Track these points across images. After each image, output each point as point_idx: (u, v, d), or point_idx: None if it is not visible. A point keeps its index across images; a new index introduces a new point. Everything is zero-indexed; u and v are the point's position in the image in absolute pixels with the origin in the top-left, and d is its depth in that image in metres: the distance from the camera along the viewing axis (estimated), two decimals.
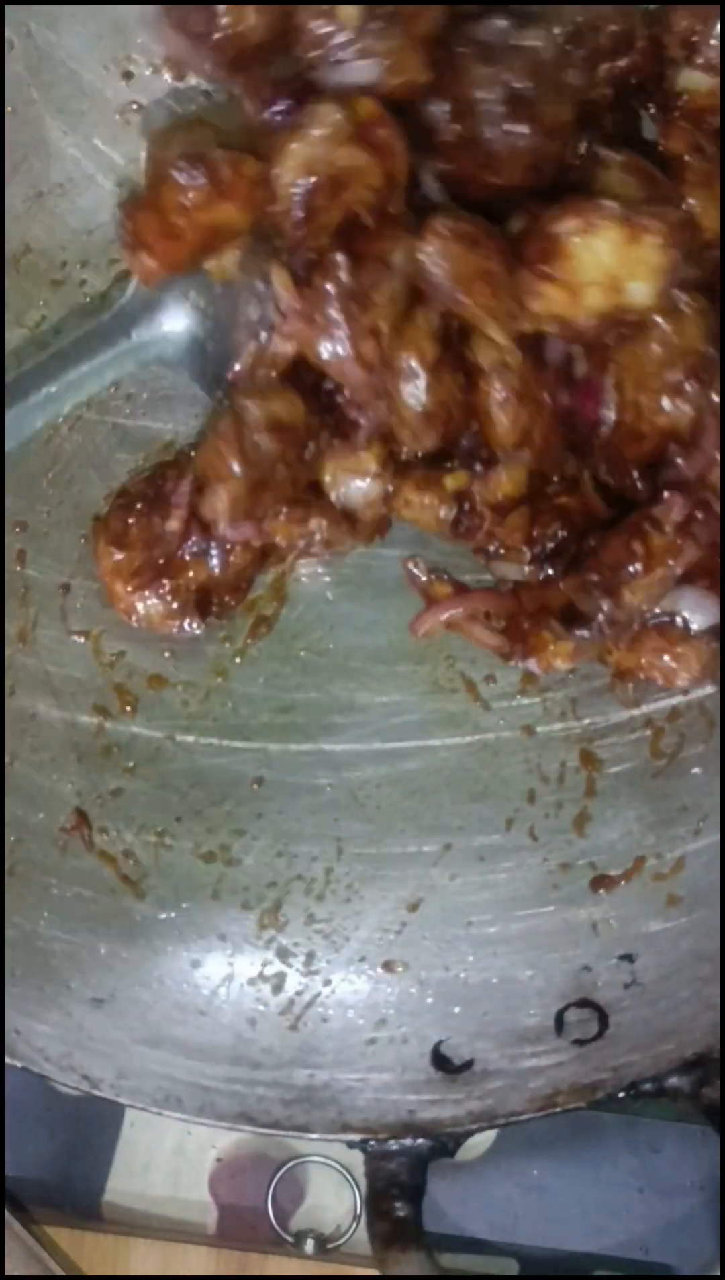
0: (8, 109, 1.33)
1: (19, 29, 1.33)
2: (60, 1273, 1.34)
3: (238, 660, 1.32)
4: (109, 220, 1.38)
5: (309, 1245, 1.36)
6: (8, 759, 1.28)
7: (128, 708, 1.32)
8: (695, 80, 1.32)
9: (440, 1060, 1.21)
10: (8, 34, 1.32)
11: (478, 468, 1.24)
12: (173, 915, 1.26)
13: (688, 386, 1.19)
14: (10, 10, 1.31)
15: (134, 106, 1.37)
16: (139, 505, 1.29)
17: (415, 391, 1.21)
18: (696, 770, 1.26)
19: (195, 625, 1.29)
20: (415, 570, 1.30)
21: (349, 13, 1.16)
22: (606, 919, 1.24)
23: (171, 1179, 1.40)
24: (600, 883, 1.24)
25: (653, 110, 1.35)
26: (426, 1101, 1.19)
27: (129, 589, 1.28)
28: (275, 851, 1.29)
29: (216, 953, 1.26)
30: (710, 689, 1.27)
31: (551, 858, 1.27)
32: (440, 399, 1.21)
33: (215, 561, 1.27)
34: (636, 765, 1.27)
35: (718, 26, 1.29)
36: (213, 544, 1.27)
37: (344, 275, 1.17)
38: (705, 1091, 1.16)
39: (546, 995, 1.22)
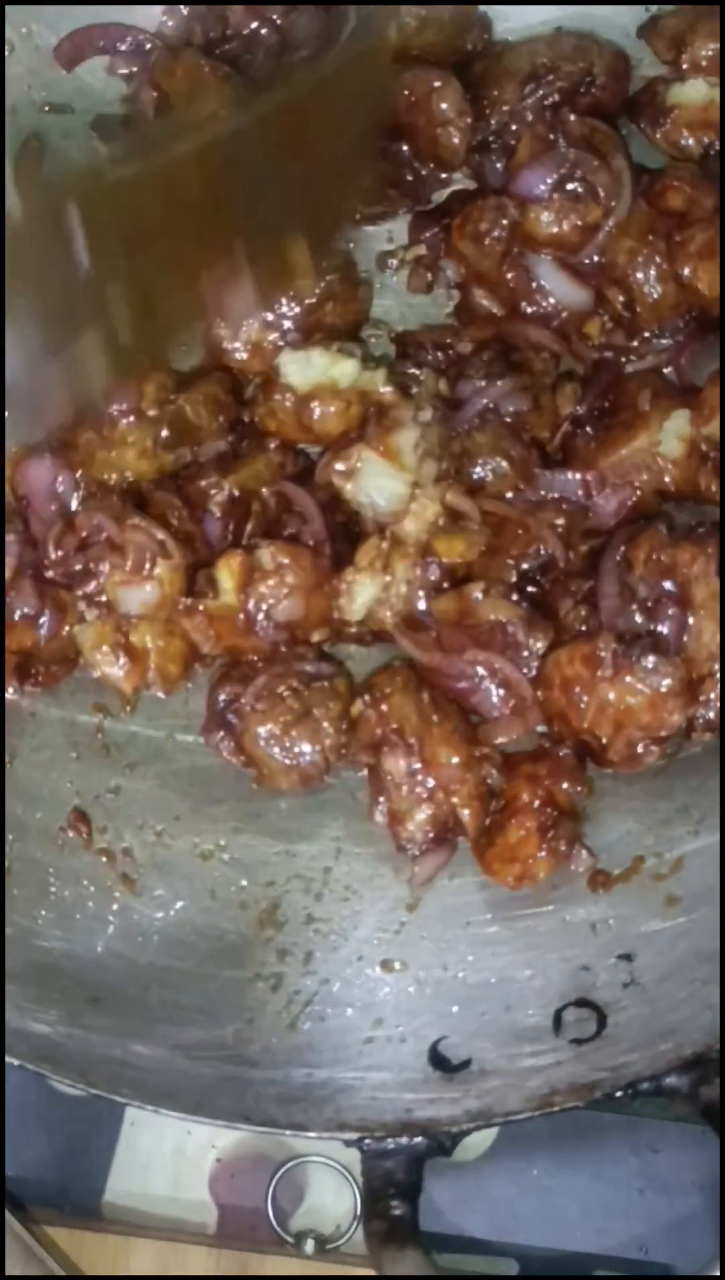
0: (8, 109, 1.34)
1: (19, 29, 1.33)
2: (60, 1273, 1.34)
3: None
4: None
5: (309, 1245, 1.36)
6: (8, 758, 1.28)
7: (128, 707, 1.32)
8: (687, 93, 1.33)
9: (438, 1059, 1.21)
10: (8, 34, 1.33)
11: None
12: (171, 914, 1.26)
13: None
14: (10, 10, 1.32)
15: None
16: None
17: None
18: (695, 771, 1.26)
19: (14, 691, 1.29)
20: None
21: None
22: (605, 919, 1.23)
23: (171, 1179, 1.40)
24: (599, 882, 1.24)
25: (643, 126, 1.36)
26: (424, 1100, 1.19)
27: None
28: (274, 851, 1.29)
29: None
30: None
31: None
32: None
33: (43, 629, 1.28)
34: None
35: (708, 26, 1.30)
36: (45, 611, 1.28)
37: None
38: (703, 1091, 1.16)
39: (545, 995, 1.22)
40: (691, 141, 1.34)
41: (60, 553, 1.27)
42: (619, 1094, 1.17)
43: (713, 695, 1.22)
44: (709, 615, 1.22)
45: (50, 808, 1.28)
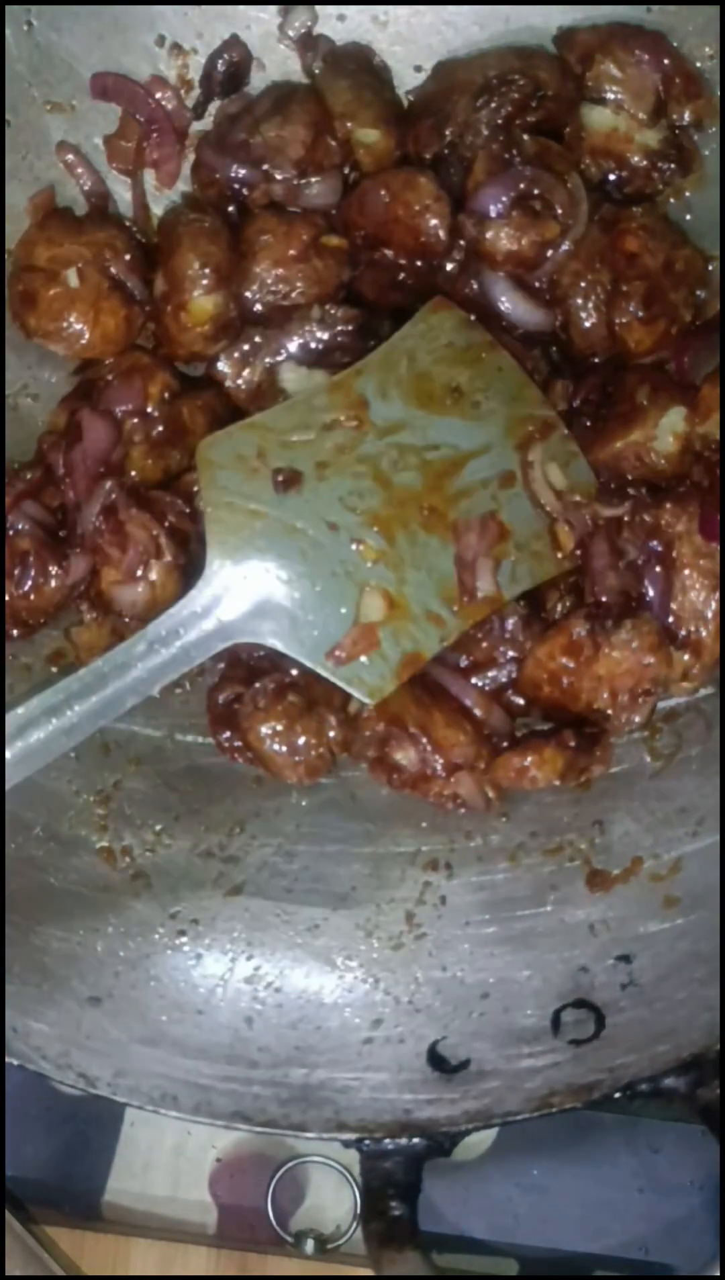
0: (8, 109, 1.34)
1: (19, 28, 1.33)
2: (60, 1273, 1.34)
3: None
4: None
5: (309, 1245, 1.36)
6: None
7: None
8: (594, 119, 1.33)
9: (436, 1060, 1.21)
10: (8, 34, 1.32)
11: None
12: (171, 913, 1.27)
13: None
14: (10, 9, 1.32)
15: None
16: None
17: None
18: (694, 772, 1.26)
19: None
20: None
21: None
22: (604, 920, 1.23)
23: (171, 1179, 1.40)
24: (597, 883, 1.24)
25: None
26: (422, 1101, 1.19)
27: None
28: (273, 850, 1.29)
29: (214, 951, 1.26)
30: (708, 690, 1.27)
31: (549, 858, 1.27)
32: None
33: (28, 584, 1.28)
34: (634, 766, 1.27)
35: (617, 47, 1.30)
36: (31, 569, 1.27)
37: None
38: (701, 1092, 1.16)
39: (543, 995, 1.22)
40: (593, 168, 1.33)
41: (97, 521, 1.27)
42: (617, 1095, 1.17)
43: (699, 644, 1.26)
44: (694, 572, 1.25)
45: (50, 807, 1.28)
